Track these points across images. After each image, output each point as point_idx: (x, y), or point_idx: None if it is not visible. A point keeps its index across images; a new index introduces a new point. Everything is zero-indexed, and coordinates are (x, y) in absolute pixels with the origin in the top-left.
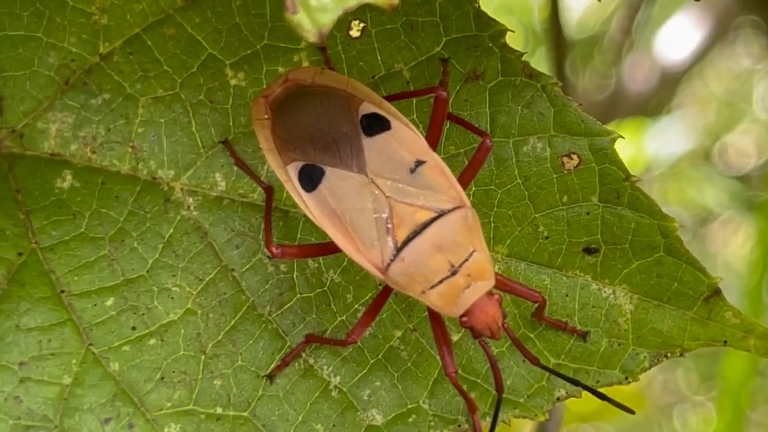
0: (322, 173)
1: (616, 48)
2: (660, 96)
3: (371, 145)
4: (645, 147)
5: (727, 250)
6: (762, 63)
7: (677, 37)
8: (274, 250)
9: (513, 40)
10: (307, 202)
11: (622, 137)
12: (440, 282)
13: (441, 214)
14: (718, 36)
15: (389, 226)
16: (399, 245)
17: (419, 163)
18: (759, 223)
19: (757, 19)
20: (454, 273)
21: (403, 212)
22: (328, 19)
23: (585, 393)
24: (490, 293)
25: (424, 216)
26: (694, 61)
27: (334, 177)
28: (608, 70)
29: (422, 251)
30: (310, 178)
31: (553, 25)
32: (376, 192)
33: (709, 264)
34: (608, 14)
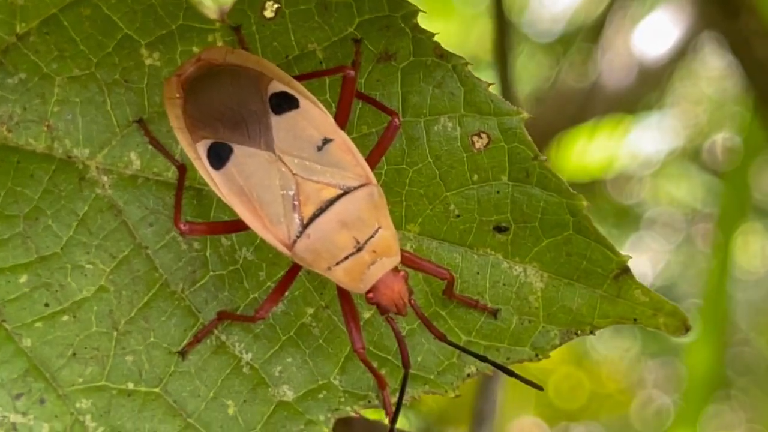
0: (230, 151)
1: (595, 44)
2: (640, 92)
3: (279, 123)
4: (626, 144)
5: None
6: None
7: (656, 34)
8: (182, 227)
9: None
10: (215, 180)
11: (531, 117)
12: (346, 258)
13: (347, 191)
14: (698, 33)
15: (296, 203)
16: (305, 222)
17: (326, 141)
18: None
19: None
20: (359, 249)
21: (310, 189)
22: None
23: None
24: (395, 270)
25: (330, 193)
26: (675, 58)
27: (242, 154)
28: (587, 66)
29: (328, 228)
30: (219, 156)
31: (496, 19)
32: (283, 169)
33: (699, 262)
34: (589, 10)
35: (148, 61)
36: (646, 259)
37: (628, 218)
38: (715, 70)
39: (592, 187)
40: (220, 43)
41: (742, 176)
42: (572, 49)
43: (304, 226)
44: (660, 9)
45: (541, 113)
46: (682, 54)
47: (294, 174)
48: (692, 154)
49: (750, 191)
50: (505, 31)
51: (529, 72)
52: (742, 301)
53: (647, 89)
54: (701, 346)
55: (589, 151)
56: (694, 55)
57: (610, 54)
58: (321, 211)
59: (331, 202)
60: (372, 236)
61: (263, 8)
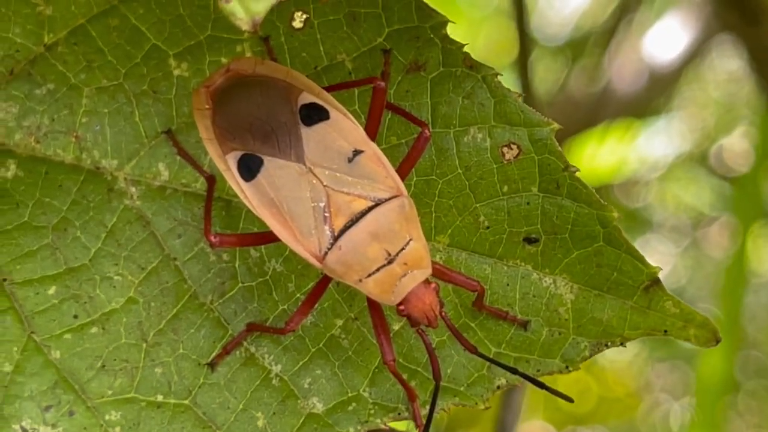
0: (260, 162)
1: (606, 49)
2: (650, 97)
3: (310, 135)
4: (635, 148)
5: (725, 253)
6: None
7: (667, 39)
8: (212, 238)
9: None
10: (245, 192)
11: (561, 127)
12: (377, 270)
13: (378, 203)
14: (708, 37)
15: (326, 215)
16: (336, 234)
17: (357, 152)
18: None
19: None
20: (390, 261)
21: (341, 201)
22: (261, 8)
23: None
24: (426, 282)
25: (361, 205)
26: (685, 63)
27: (272, 166)
28: (598, 71)
29: (359, 240)
30: (249, 168)
31: (517, 26)
32: (314, 181)
33: (706, 266)
34: (599, 15)
35: (176, 72)
36: (653, 262)
37: (635, 222)
38: (722, 73)
39: (599, 191)
40: (248, 54)
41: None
42: (582, 53)
43: (335, 238)
44: (669, 14)
45: (550, 117)
46: (692, 59)
47: (325, 186)
48: (699, 158)
49: (761, 195)
50: (526, 40)
51: (538, 76)
52: (752, 303)
53: (657, 94)
54: (715, 351)
55: (599, 156)
56: (701, 59)
57: (620, 58)
58: (352, 222)
59: (362, 214)
60: (403, 248)
61: (292, 19)
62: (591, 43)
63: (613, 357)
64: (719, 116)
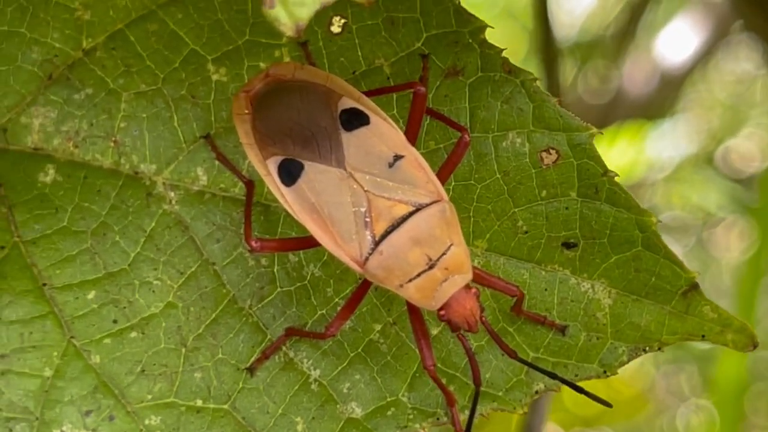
0: (301, 167)
1: (617, 50)
2: (661, 99)
3: (350, 140)
4: (646, 150)
5: (731, 254)
6: (765, 68)
7: (677, 40)
8: (253, 243)
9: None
10: (286, 197)
11: (600, 133)
12: (418, 275)
13: (419, 208)
14: (718, 39)
15: (367, 219)
16: (377, 239)
17: (397, 157)
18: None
19: (753, 24)
20: (431, 266)
21: (381, 206)
22: (305, 14)
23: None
24: (467, 287)
25: (402, 210)
26: (695, 64)
27: (313, 171)
28: (609, 72)
29: (400, 245)
30: (290, 173)
31: (541, 28)
32: (355, 186)
33: (712, 267)
34: (609, 17)
35: (214, 77)
36: None
37: None
38: (729, 74)
39: None
40: (287, 59)
41: None
42: (591, 54)
43: (377, 243)
44: (681, 15)
45: None
46: (703, 61)
47: (365, 191)
48: (705, 159)
49: None
50: (552, 44)
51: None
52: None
53: (668, 95)
54: (731, 352)
55: (610, 158)
56: (708, 60)
57: (631, 60)
58: (393, 228)
59: (404, 219)
60: (444, 253)
61: (330, 23)
62: (602, 45)
63: None
64: (726, 117)
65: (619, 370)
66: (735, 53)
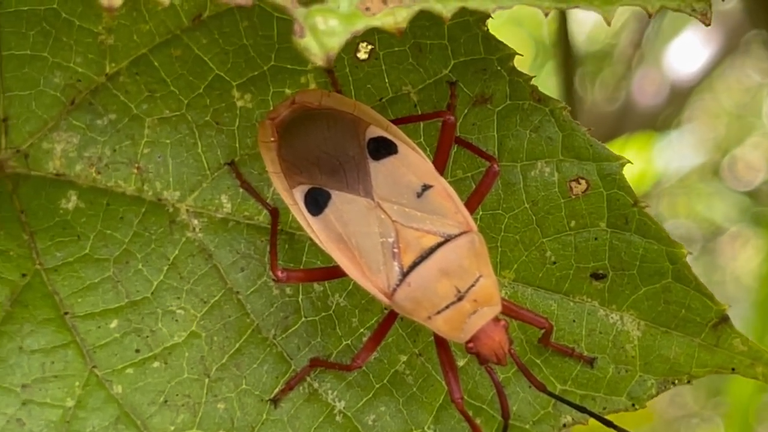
0: (328, 197)
1: (626, 62)
2: (669, 110)
3: (378, 169)
4: (654, 161)
5: (736, 264)
6: None
7: (687, 52)
8: (279, 273)
9: (522, 53)
10: (313, 226)
11: (631, 162)
12: (446, 307)
13: (447, 239)
14: (728, 51)
15: (395, 250)
16: (405, 270)
17: (426, 187)
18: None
19: (765, 34)
20: (460, 298)
21: (410, 237)
22: (335, 43)
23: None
24: (496, 319)
25: (430, 241)
26: (704, 76)
27: (340, 201)
28: (618, 84)
29: (428, 276)
30: (316, 202)
31: (561, 42)
32: (383, 216)
33: (718, 278)
34: (618, 28)
35: (239, 103)
36: None
37: None
38: (735, 83)
39: None
40: (312, 85)
41: None
42: (601, 66)
43: (405, 274)
44: (690, 28)
45: None
46: (712, 72)
47: (393, 221)
48: (712, 169)
49: None
50: (570, 63)
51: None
52: None
53: (677, 107)
54: None
55: None
56: (714, 69)
57: (641, 72)
58: (421, 259)
59: (432, 250)
60: (473, 285)
61: (357, 50)
62: (616, 56)
63: None
64: (732, 127)
65: None
66: (741, 63)
